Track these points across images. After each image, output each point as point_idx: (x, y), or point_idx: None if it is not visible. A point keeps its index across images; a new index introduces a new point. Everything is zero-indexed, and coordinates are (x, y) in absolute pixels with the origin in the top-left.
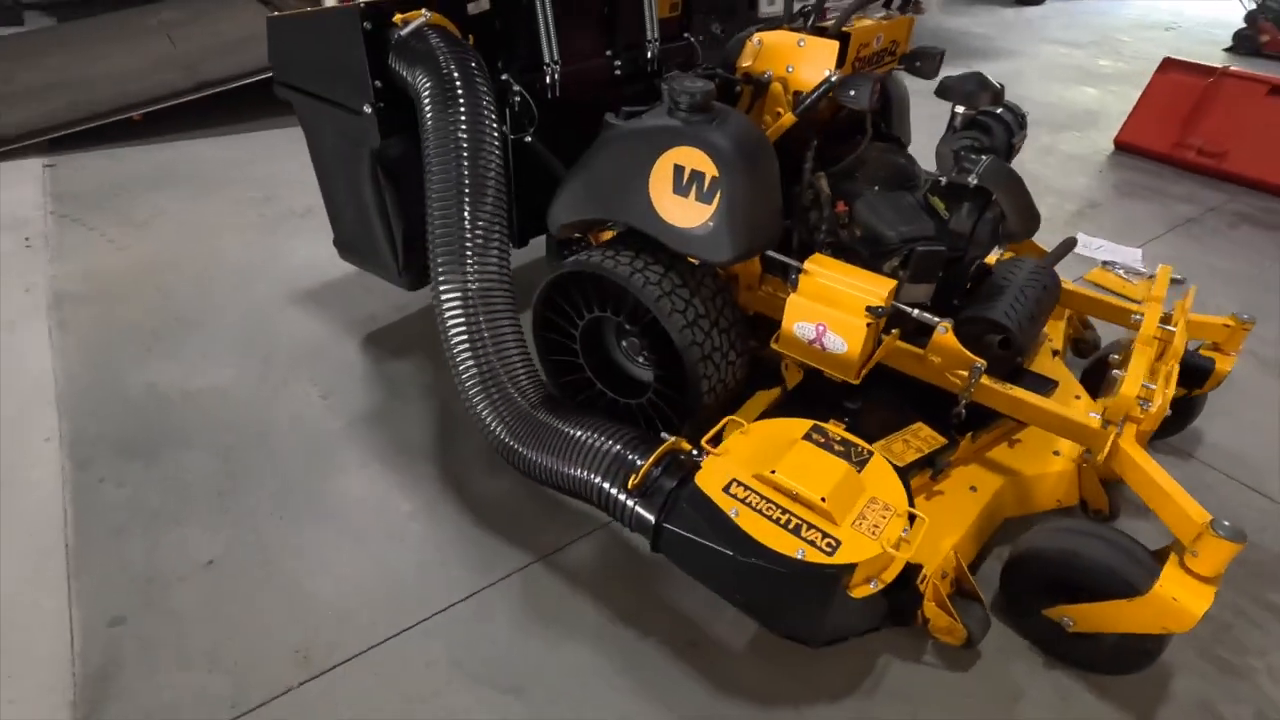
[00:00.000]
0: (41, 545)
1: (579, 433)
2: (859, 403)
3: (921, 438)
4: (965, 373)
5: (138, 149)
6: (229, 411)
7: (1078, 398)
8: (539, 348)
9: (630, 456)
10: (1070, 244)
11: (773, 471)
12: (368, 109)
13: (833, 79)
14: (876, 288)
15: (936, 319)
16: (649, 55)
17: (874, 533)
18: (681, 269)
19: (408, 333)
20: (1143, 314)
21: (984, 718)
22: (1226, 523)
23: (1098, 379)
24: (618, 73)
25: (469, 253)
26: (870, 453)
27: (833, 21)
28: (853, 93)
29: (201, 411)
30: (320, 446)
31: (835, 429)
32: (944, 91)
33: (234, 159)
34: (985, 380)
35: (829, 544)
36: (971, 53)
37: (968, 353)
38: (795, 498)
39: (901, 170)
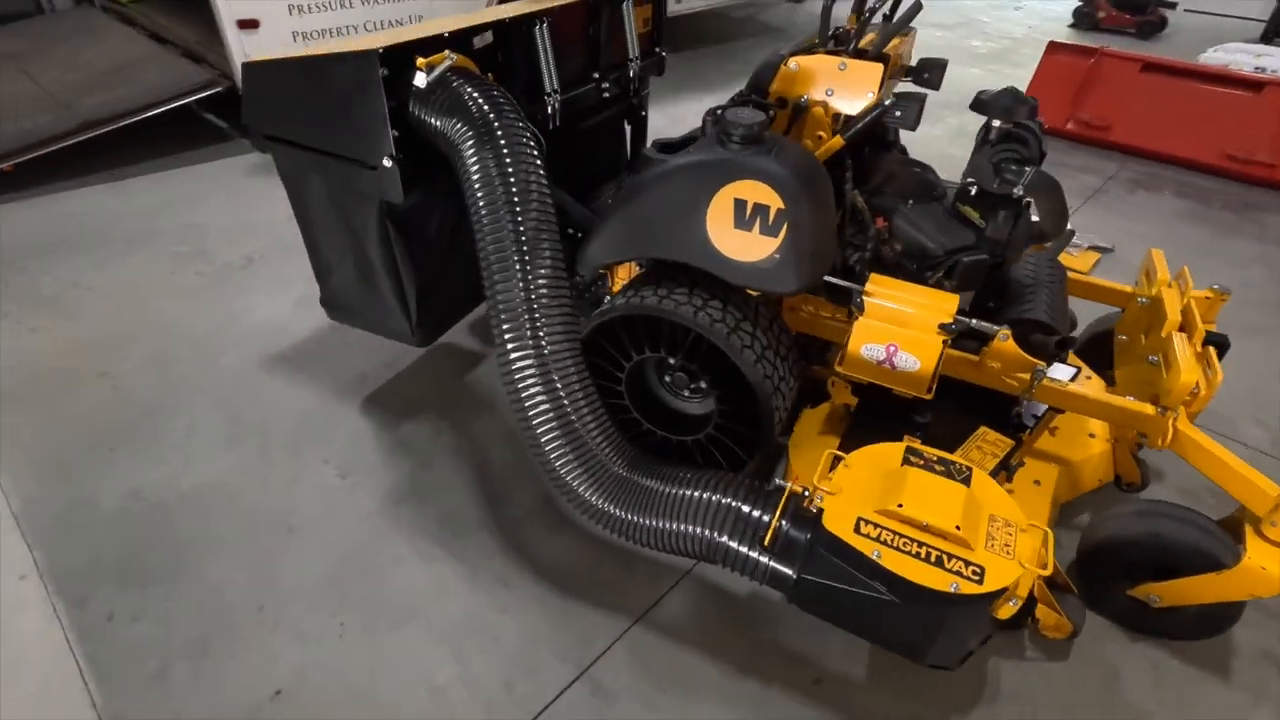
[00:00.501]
0: (64, 714)
1: (687, 491)
2: (928, 416)
3: (990, 442)
4: (1025, 375)
5: (15, 206)
6: (240, 509)
7: (1089, 378)
8: None
9: (752, 511)
10: (1069, 235)
11: (899, 505)
12: (387, 163)
13: (886, 102)
14: (943, 304)
15: (995, 327)
16: (631, 75)
17: (1008, 552)
18: (738, 301)
19: (409, 391)
20: (1149, 297)
21: (1093, 702)
22: None
23: (1095, 355)
24: (605, 95)
25: (536, 314)
26: (969, 469)
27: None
28: (899, 113)
29: (206, 514)
30: (361, 536)
31: (930, 449)
32: (981, 106)
33: (142, 209)
34: (1047, 380)
35: (974, 572)
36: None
37: (1028, 356)
38: (927, 529)
39: (926, 182)
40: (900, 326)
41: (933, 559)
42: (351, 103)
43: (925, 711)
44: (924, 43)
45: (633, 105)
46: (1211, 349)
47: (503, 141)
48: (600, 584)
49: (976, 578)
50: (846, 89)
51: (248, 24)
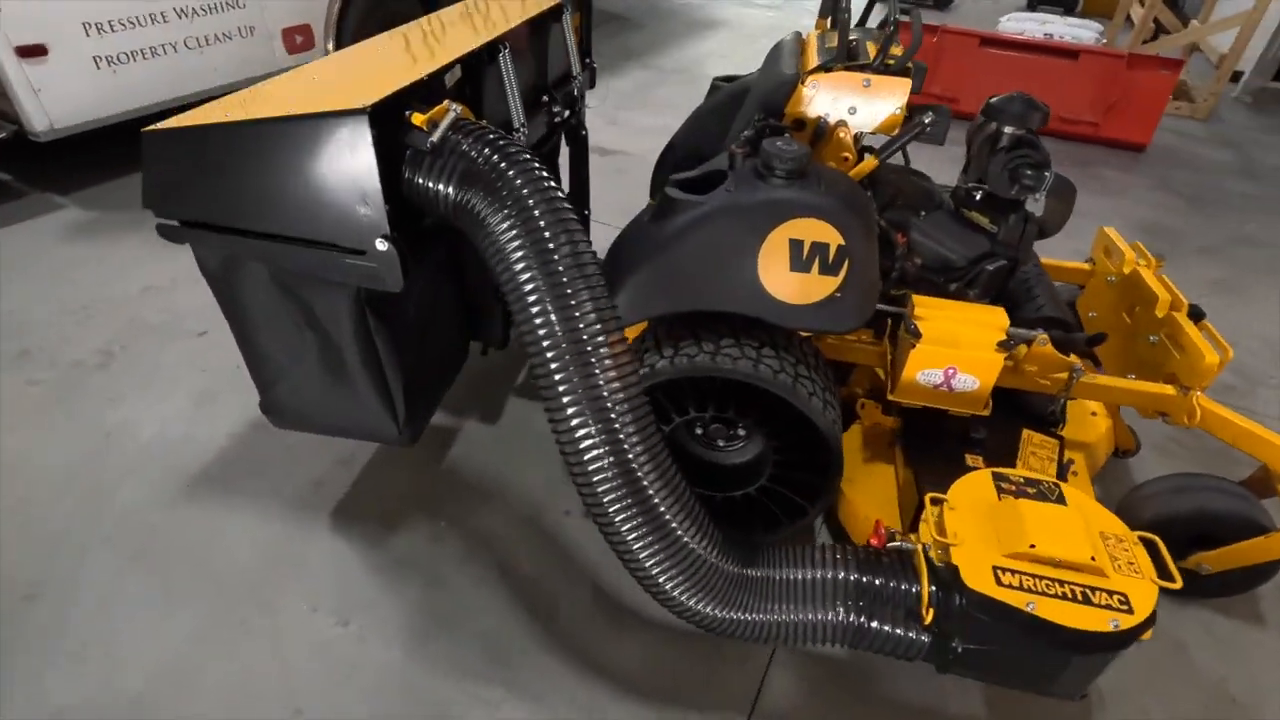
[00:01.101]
0: None
1: (808, 575)
2: (983, 431)
3: (1039, 444)
4: (1062, 375)
5: None
6: (221, 702)
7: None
8: None
9: (891, 583)
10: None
11: (1031, 546)
12: (382, 245)
13: (924, 118)
14: (994, 319)
15: (1031, 332)
16: (575, 92)
17: (1135, 570)
18: (786, 345)
19: (383, 491)
20: (1118, 275)
21: (1175, 676)
22: None
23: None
24: (557, 119)
25: (614, 419)
26: (1057, 485)
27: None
28: (930, 129)
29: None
30: (399, 700)
31: (1012, 472)
32: (993, 112)
33: None
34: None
35: (1120, 602)
36: (697, 23)
37: (1063, 357)
38: (1060, 564)
39: (927, 191)
40: (957, 348)
41: (1080, 597)
42: (324, 176)
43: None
44: (762, 24)
45: (573, 125)
46: (1206, 323)
47: (538, 211)
48: (694, 683)
49: (1125, 608)
50: (871, 106)
51: (31, 51)
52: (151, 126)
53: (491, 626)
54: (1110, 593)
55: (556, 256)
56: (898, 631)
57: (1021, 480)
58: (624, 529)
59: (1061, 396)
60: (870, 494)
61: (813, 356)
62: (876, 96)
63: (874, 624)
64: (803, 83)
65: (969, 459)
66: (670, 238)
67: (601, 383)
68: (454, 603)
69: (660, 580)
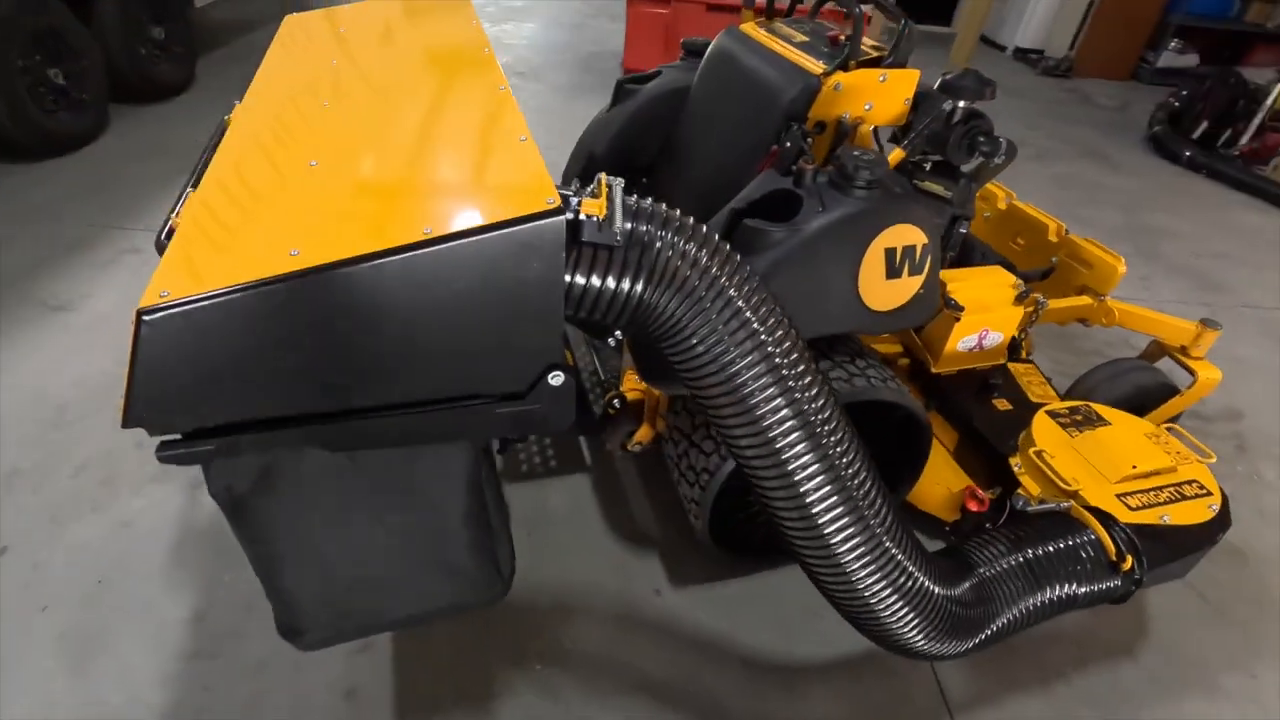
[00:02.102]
0: None
1: (1003, 565)
2: (999, 376)
3: (1024, 373)
4: (1030, 308)
5: None
6: None
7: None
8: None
9: (1074, 542)
10: None
11: (1134, 467)
12: (556, 380)
13: (946, 106)
14: (1000, 278)
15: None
16: None
17: (1183, 458)
18: (859, 349)
19: (440, 666)
20: (994, 211)
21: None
22: (1209, 318)
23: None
24: None
25: (850, 482)
26: (1089, 407)
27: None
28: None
29: None
30: None
31: (1055, 406)
32: (951, 89)
33: None
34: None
35: (1200, 488)
36: (510, 11)
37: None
38: (1150, 474)
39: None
40: (988, 311)
41: (1180, 496)
42: (481, 308)
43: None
44: (569, 11)
45: None
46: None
47: (745, 305)
48: (884, 700)
49: (1206, 492)
50: (885, 101)
51: None
52: (150, 305)
53: None
54: (1190, 483)
55: (774, 350)
56: (1098, 586)
57: (1065, 413)
58: (865, 579)
59: (1028, 328)
60: (932, 468)
61: (866, 349)
62: (890, 91)
63: (1078, 587)
64: (826, 83)
65: (996, 403)
66: (765, 274)
67: (837, 455)
68: None
69: (893, 623)
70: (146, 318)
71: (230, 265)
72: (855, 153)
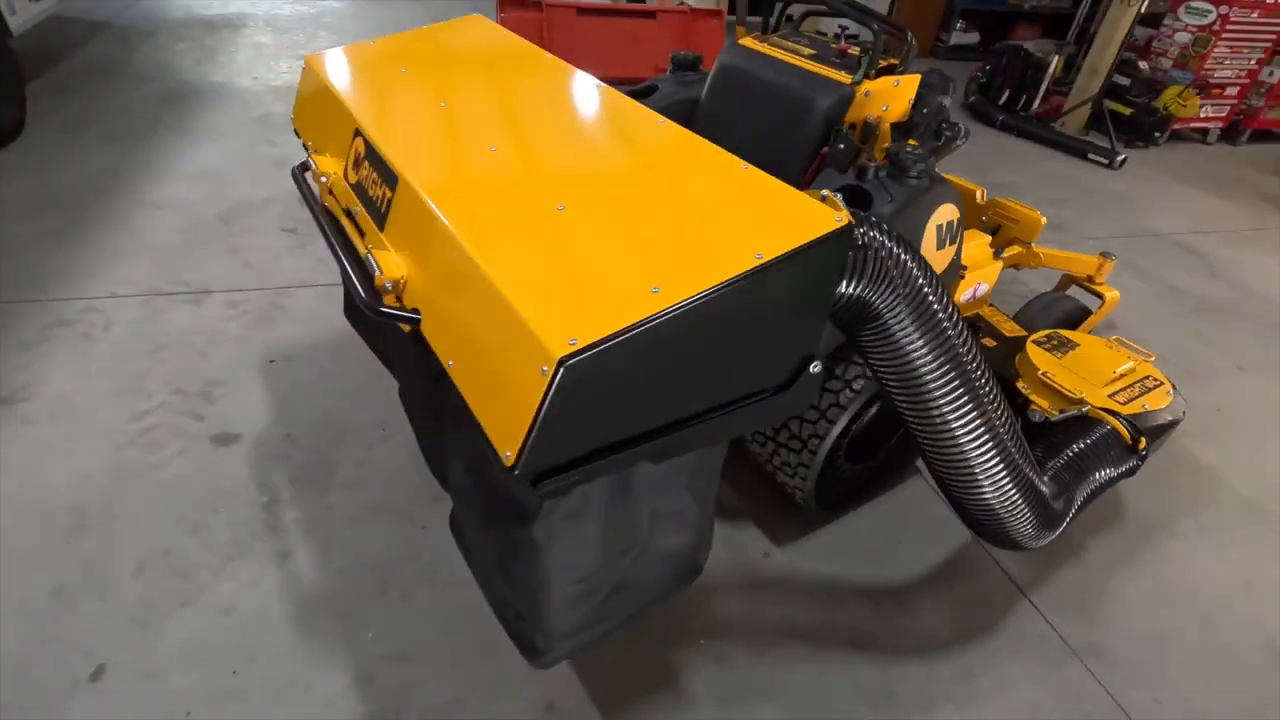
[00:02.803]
0: None
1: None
2: (979, 320)
3: (997, 315)
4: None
5: None
6: None
7: None
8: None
9: (1101, 433)
10: None
11: (1115, 372)
12: (816, 368)
13: (945, 101)
14: (980, 239)
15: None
16: None
17: (1137, 358)
18: None
19: (521, 675)
20: None
21: None
22: (1109, 251)
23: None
24: None
25: (1003, 427)
26: (1058, 332)
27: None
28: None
29: None
30: None
31: (1040, 334)
32: (924, 86)
33: None
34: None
35: (1155, 380)
36: (217, 23)
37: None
38: (1123, 375)
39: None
40: (977, 268)
41: (1147, 389)
42: (780, 315)
43: None
44: (286, 16)
45: None
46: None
47: (930, 291)
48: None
49: (1160, 383)
50: (898, 102)
51: None
52: (568, 353)
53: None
54: (1148, 378)
55: (958, 343)
56: (1124, 466)
57: (1045, 339)
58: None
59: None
60: None
61: None
62: (903, 93)
63: (1112, 470)
64: (859, 90)
65: (985, 341)
66: None
67: (1000, 421)
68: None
69: (1015, 522)
70: (569, 363)
71: (608, 307)
72: (907, 149)
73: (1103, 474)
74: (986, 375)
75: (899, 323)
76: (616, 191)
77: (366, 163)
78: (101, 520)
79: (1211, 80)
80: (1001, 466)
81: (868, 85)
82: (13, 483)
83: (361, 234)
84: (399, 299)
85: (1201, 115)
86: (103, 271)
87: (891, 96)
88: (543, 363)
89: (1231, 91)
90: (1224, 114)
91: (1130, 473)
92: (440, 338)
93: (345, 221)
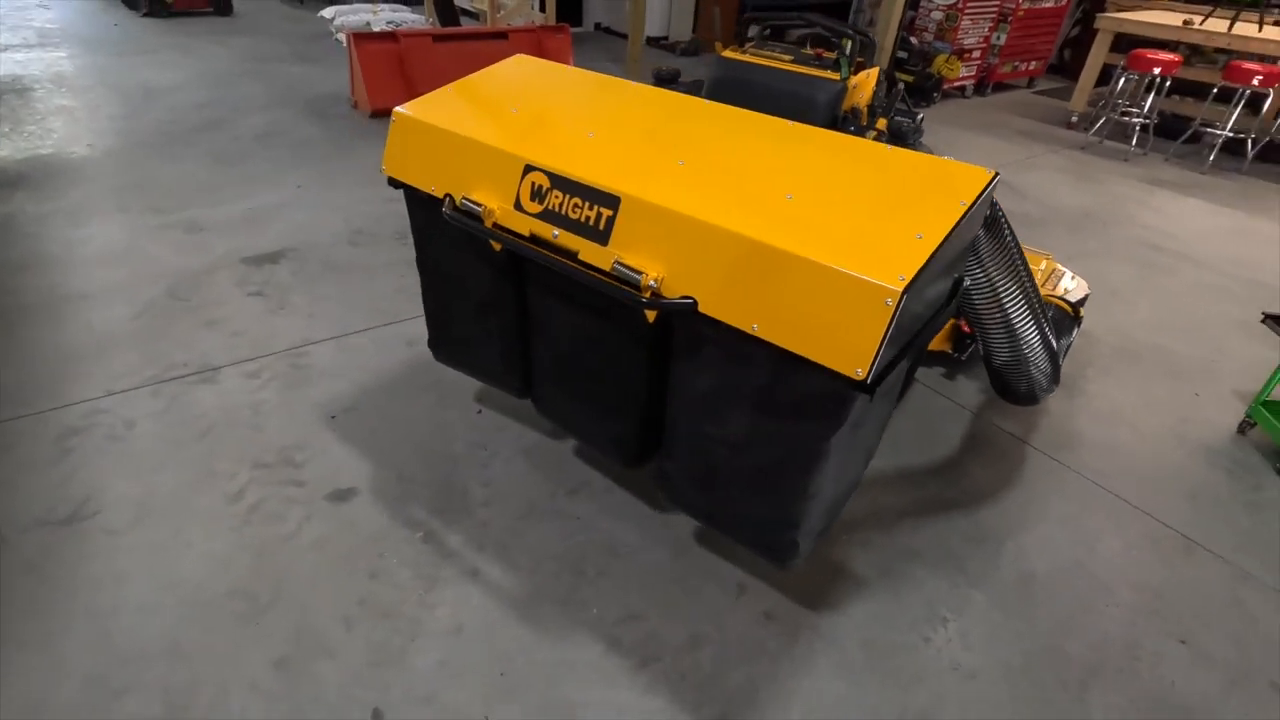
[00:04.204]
0: None
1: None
2: None
3: None
4: None
5: None
6: None
7: None
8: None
9: (1056, 312)
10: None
11: (1038, 267)
12: (967, 281)
13: (899, 87)
14: None
15: None
16: None
17: (1042, 257)
18: None
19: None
20: None
21: None
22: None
23: None
24: None
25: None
26: None
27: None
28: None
29: None
30: None
31: None
32: (890, 78)
33: None
34: None
35: (1063, 271)
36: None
37: None
38: (1044, 270)
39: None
40: None
41: (1060, 277)
42: (967, 238)
43: None
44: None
45: None
46: None
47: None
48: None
49: (1065, 273)
50: (867, 90)
51: None
52: (904, 285)
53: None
54: (1056, 269)
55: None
56: (1073, 333)
57: None
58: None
59: None
60: None
61: None
62: (870, 82)
63: (1068, 338)
64: (849, 84)
65: None
66: None
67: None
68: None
69: (1042, 376)
70: (906, 293)
71: (899, 252)
72: (904, 120)
73: (1066, 340)
74: (1027, 269)
75: (983, 242)
76: (818, 178)
77: (556, 192)
78: (274, 595)
79: (964, 47)
80: (1038, 336)
81: (854, 80)
82: (147, 589)
83: (561, 251)
84: (654, 294)
85: (962, 76)
86: (79, 372)
87: (864, 86)
88: (886, 297)
89: (976, 55)
90: (974, 73)
91: (1074, 336)
92: (731, 311)
93: (526, 244)
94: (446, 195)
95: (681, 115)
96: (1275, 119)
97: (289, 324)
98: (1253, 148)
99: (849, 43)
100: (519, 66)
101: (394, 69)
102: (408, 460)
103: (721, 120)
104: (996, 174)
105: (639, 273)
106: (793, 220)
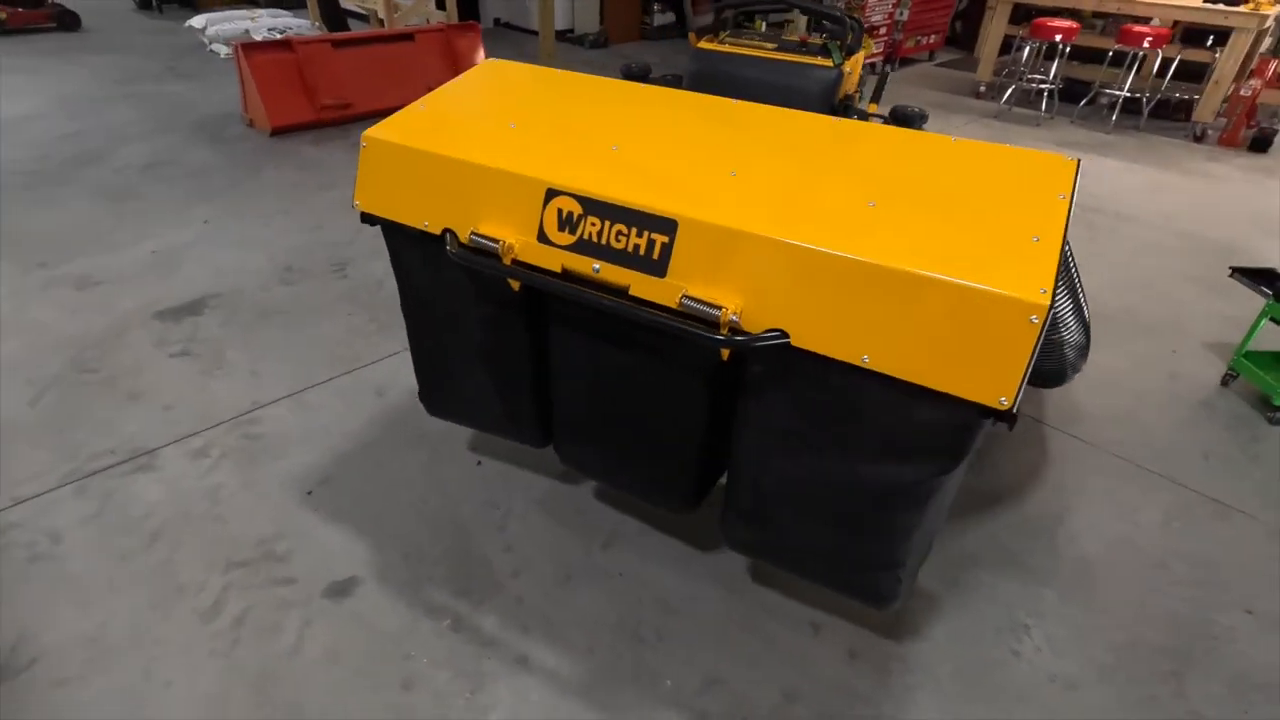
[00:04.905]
0: None
1: None
2: None
3: None
4: None
5: None
6: None
7: None
8: None
9: None
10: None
11: None
12: None
13: (890, 69)
14: None
15: None
16: None
17: None
18: None
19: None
20: None
21: None
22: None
23: None
24: None
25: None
26: None
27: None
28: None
29: None
30: None
31: None
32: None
33: None
34: None
35: None
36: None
37: None
38: None
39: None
40: None
41: None
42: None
43: None
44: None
45: None
46: None
47: None
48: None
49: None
50: (855, 75)
51: None
52: (1046, 299)
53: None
54: None
55: None
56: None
57: None
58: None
59: None
60: None
61: None
62: (858, 67)
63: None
64: (845, 71)
65: None
66: None
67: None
68: None
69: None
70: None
71: (1027, 260)
72: (910, 106)
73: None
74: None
75: None
76: (889, 179)
77: (592, 219)
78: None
79: (872, 24)
80: (1070, 301)
81: (849, 64)
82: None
83: (605, 288)
84: (734, 329)
85: (874, 52)
86: None
87: (854, 71)
88: (1031, 314)
89: (883, 31)
90: (882, 49)
91: None
92: (834, 343)
93: (559, 282)
94: (446, 231)
95: (706, 117)
96: (1163, 78)
97: (230, 386)
98: (1147, 105)
99: (850, 32)
100: (493, 73)
101: (293, 80)
102: (411, 533)
103: (752, 120)
104: (1079, 161)
105: (717, 307)
106: (890, 232)
